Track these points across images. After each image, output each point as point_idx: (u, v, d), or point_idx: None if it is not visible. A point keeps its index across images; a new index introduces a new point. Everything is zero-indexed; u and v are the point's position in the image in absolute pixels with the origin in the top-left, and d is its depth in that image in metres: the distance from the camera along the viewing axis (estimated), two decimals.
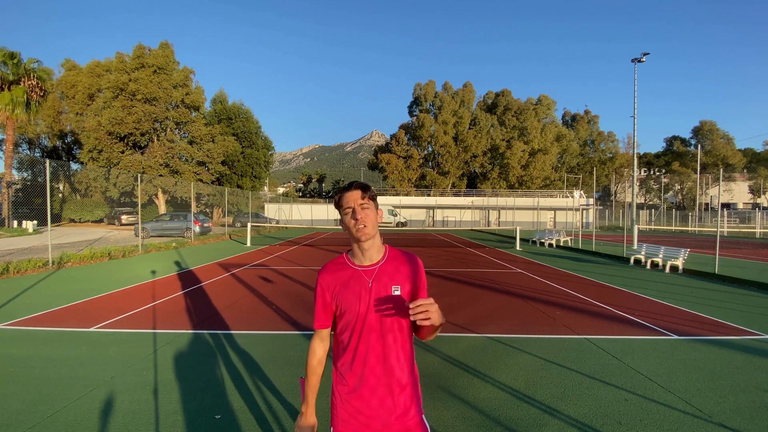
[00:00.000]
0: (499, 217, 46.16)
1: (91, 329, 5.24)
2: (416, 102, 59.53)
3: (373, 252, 1.46)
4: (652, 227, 40.11)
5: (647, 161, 68.57)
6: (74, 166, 37.20)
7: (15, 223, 24.52)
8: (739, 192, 62.29)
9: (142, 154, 30.57)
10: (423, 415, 1.46)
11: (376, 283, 1.41)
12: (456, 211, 46.81)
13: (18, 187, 30.49)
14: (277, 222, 38.16)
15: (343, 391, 1.42)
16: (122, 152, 29.41)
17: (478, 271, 11.23)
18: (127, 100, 28.41)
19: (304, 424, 1.48)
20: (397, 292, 1.41)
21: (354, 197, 1.41)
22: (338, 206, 1.45)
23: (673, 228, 38.91)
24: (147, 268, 10.56)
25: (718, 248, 11.05)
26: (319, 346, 1.51)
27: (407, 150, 55.17)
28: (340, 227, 1.51)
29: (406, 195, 50.09)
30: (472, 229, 37.43)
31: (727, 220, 43.96)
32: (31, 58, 24.96)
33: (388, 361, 1.39)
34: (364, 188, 1.43)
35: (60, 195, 36.29)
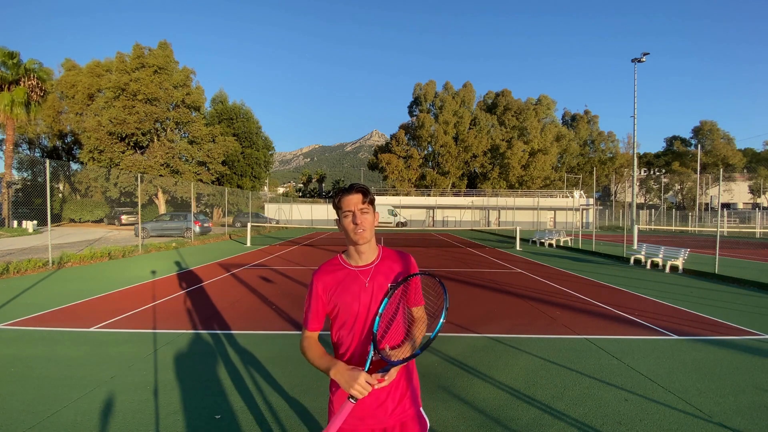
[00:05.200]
0: (499, 217, 46.15)
1: (91, 329, 5.24)
2: (416, 102, 59.53)
3: (368, 253, 1.49)
4: (652, 227, 40.11)
5: (647, 161, 68.55)
6: (74, 166, 37.20)
7: (15, 223, 24.52)
8: (739, 192, 62.27)
9: (142, 154, 30.57)
10: (420, 408, 1.50)
11: (372, 282, 1.44)
12: (456, 211, 46.80)
13: (18, 187, 30.47)
14: (277, 222, 38.15)
15: (341, 390, 1.41)
16: (123, 152, 29.41)
17: (478, 271, 11.22)
18: (128, 101, 28.42)
19: (346, 369, 1.32)
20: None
21: (355, 201, 1.42)
22: (337, 208, 1.46)
23: (673, 228, 38.90)
24: (147, 268, 10.55)
25: (718, 248, 11.05)
26: (311, 343, 1.47)
27: (407, 150, 55.16)
28: (337, 227, 1.51)
29: (406, 195, 50.08)
30: (472, 229, 37.42)
31: (727, 220, 43.95)
32: (32, 59, 24.96)
33: None
34: (365, 193, 1.44)
35: (60, 195, 36.28)
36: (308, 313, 1.48)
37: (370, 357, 1.34)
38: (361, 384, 1.25)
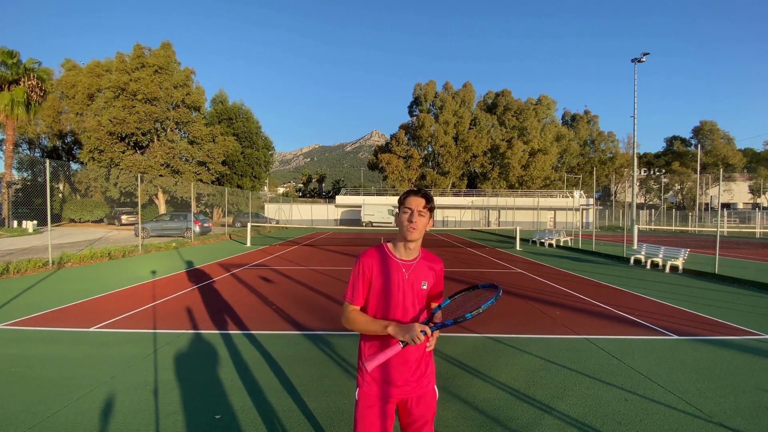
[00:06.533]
0: (499, 217, 46.16)
1: (91, 329, 5.24)
2: (416, 102, 59.52)
3: (414, 250, 1.73)
4: (652, 227, 40.11)
5: (647, 161, 68.56)
6: (74, 166, 37.20)
7: (15, 223, 24.52)
8: (739, 192, 62.27)
9: (142, 154, 30.56)
10: (435, 385, 1.78)
11: (411, 276, 1.69)
12: (456, 211, 46.81)
13: (18, 187, 30.47)
14: (277, 222, 38.14)
15: (374, 355, 1.62)
16: (123, 152, 29.41)
17: (478, 271, 11.22)
18: (128, 101, 28.41)
19: (401, 324, 1.59)
20: (425, 287, 1.71)
21: (417, 202, 1.65)
22: (400, 203, 1.69)
23: (673, 228, 38.91)
24: (147, 268, 10.55)
25: (718, 248, 11.05)
26: (357, 314, 1.71)
27: (407, 150, 55.11)
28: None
29: None
30: (472, 229, 37.42)
31: (727, 220, 43.96)
32: (31, 59, 24.98)
33: None
34: (428, 199, 1.68)
35: (60, 195, 36.27)
36: (354, 289, 1.70)
37: (431, 316, 1.64)
38: (416, 331, 1.49)
